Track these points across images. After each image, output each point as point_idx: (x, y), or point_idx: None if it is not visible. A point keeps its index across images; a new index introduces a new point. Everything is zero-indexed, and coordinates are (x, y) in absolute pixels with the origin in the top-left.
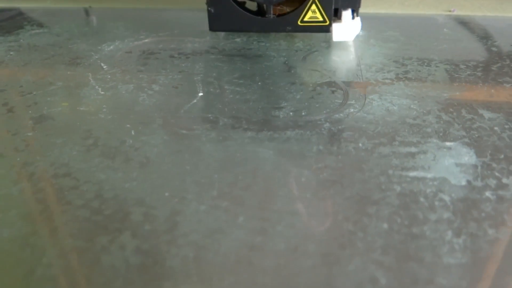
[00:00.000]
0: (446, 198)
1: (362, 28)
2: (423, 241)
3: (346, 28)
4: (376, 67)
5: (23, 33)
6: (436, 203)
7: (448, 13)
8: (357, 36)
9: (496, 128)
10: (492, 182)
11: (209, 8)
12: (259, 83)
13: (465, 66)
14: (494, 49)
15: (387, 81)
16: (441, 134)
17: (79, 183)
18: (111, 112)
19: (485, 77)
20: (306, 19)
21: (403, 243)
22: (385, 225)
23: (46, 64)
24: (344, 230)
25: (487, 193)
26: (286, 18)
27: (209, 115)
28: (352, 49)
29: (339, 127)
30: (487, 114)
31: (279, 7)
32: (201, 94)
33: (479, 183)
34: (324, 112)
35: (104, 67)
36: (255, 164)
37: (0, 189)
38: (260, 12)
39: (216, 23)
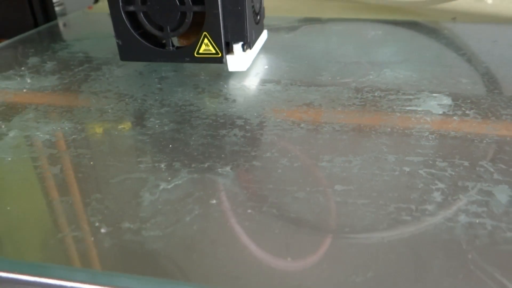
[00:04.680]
0: (428, 119)
1: (382, 30)
2: (410, 136)
3: (238, 60)
4: (390, 53)
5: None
6: (422, 120)
7: (451, 19)
8: (377, 34)
9: (469, 87)
10: (458, 113)
11: (117, 41)
12: (306, 62)
13: (456, 54)
14: (479, 44)
15: (397, 61)
16: (431, 90)
17: (200, 108)
18: (208, 75)
19: (466, 59)
20: (201, 51)
21: (398, 137)
22: (388, 129)
23: None
24: (363, 131)
25: (455, 117)
26: (184, 50)
27: (274, 78)
28: (373, 43)
29: (362, 85)
30: (464, 80)
31: (180, 40)
32: (266, 67)
33: (450, 113)
34: (352, 77)
35: None
36: (307, 101)
37: (152, 109)
38: (164, 44)
39: (125, 54)
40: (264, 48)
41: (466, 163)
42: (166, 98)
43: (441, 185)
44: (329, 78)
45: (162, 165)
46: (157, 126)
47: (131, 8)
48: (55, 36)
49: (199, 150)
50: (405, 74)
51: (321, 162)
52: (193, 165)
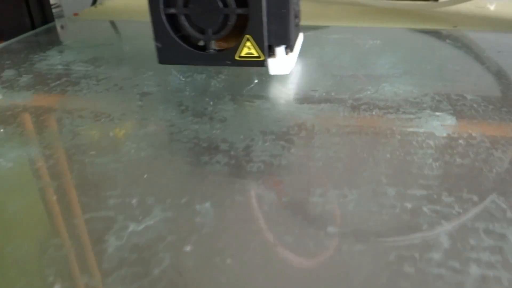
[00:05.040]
0: (431, 142)
1: (380, 39)
2: (412, 163)
3: (281, 63)
4: (388, 65)
5: (112, 39)
6: (424, 144)
7: (452, 28)
8: (376, 44)
9: (474, 104)
10: (464, 135)
11: (156, 44)
12: (298, 75)
13: (459, 67)
14: (484, 54)
15: (396, 74)
16: (433, 108)
17: (181, 130)
18: (193, 91)
19: (470, 72)
20: (242, 54)
21: (398, 165)
22: (388, 155)
23: (138, 60)
24: (360, 157)
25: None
26: (225, 53)
27: (263, 94)
28: (370, 53)
29: (359, 102)
30: (469, 97)
31: (225, 43)
32: (256, 81)
33: (455, 135)
34: (348, 93)
35: None
36: (300, 120)
37: (131, 130)
38: (204, 47)
39: (164, 57)
40: None
41: (475, 198)
42: (146, 117)
43: (447, 226)
44: (323, 93)
45: (134, 201)
46: (133, 151)
47: (172, 10)
48: (35, 46)
49: (176, 182)
50: (405, 89)
51: (313, 197)
52: (168, 201)
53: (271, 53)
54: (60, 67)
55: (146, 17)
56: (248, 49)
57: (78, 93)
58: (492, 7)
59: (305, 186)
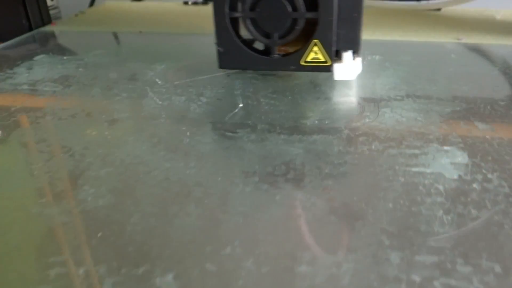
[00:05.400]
0: (441, 187)
1: (379, 53)
2: (419, 217)
3: (347, 68)
4: (389, 86)
5: (86, 53)
6: (432, 190)
7: (456, 41)
8: (374, 59)
9: (487, 136)
10: (478, 178)
11: (219, 48)
12: (289, 98)
13: (467, 87)
14: (495, 72)
15: (398, 97)
16: (440, 140)
17: (150, 169)
18: (169, 118)
19: (482, 94)
20: (308, 59)
21: (403, 219)
22: (390, 205)
23: (111, 79)
24: (357, 208)
25: (474, 185)
26: (290, 58)
27: (249, 122)
28: (369, 70)
29: (356, 133)
30: (481, 126)
31: (283, 48)
32: (241, 105)
33: (468, 177)
34: (344, 121)
35: (159, 82)
36: (288, 159)
37: (90, 172)
38: (266, 51)
39: (225, 62)
40: (238, 79)
41: (497, 268)
42: (112, 152)
43: None
44: (316, 121)
45: (81, 270)
46: (90, 198)
47: (238, 14)
48: (2, 61)
49: (136, 243)
50: (408, 116)
51: (299, 265)
52: (123, 270)
53: (337, 58)
54: (25, 87)
55: (131, 28)
56: (315, 54)
57: (40, 120)
58: (498, 16)
59: (290, 250)
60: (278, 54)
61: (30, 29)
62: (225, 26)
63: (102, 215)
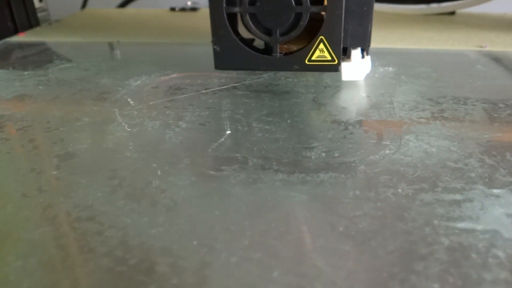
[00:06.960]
0: (501, 254)
1: (392, 64)
2: None
3: (356, 67)
4: (409, 105)
5: (52, 67)
6: (490, 260)
7: (480, 48)
8: (387, 72)
9: None
10: None
11: (215, 47)
12: (288, 121)
13: (504, 105)
14: None
15: (422, 120)
16: (486, 180)
17: (103, 227)
18: (137, 150)
19: None
20: (314, 58)
21: None
22: (436, 285)
23: (74, 99)
24: None
25: None
26: (293, 57)
27: (238, 155)
28: (382, 85)
29: (375, 170)
30: None
31: (286, 46)
32: (228, 132)
33: None
34: (358, 153)
35: (131, 102)
36: (288, 210)
37: (22, 233)
38: (267, 50)
39: (222, 62)
40: (226, 97)
41: None
42: (55, 203)
43: None
44: (323, 154)
45: None
46: (12, 278)
47: (236, 9)
48: None
49: None
50: (438, 145)
51: None
52: None
53: (344, 56)
54: None
55: (109, 37)
56: (321, 52)
57: None
58: None
59: None
60: (280, 53)
61: (16, 31)
62: (223, 23)
63: None
